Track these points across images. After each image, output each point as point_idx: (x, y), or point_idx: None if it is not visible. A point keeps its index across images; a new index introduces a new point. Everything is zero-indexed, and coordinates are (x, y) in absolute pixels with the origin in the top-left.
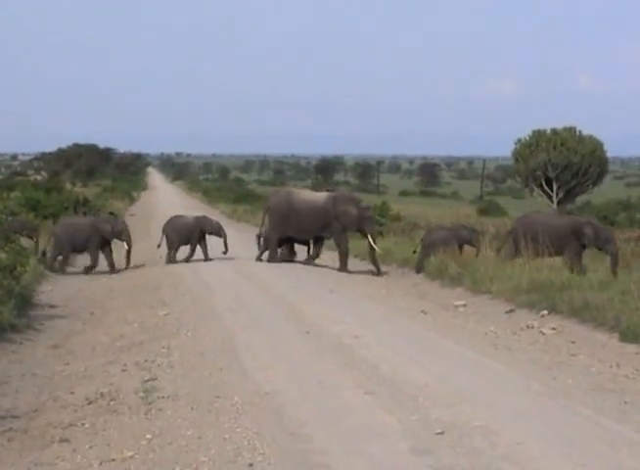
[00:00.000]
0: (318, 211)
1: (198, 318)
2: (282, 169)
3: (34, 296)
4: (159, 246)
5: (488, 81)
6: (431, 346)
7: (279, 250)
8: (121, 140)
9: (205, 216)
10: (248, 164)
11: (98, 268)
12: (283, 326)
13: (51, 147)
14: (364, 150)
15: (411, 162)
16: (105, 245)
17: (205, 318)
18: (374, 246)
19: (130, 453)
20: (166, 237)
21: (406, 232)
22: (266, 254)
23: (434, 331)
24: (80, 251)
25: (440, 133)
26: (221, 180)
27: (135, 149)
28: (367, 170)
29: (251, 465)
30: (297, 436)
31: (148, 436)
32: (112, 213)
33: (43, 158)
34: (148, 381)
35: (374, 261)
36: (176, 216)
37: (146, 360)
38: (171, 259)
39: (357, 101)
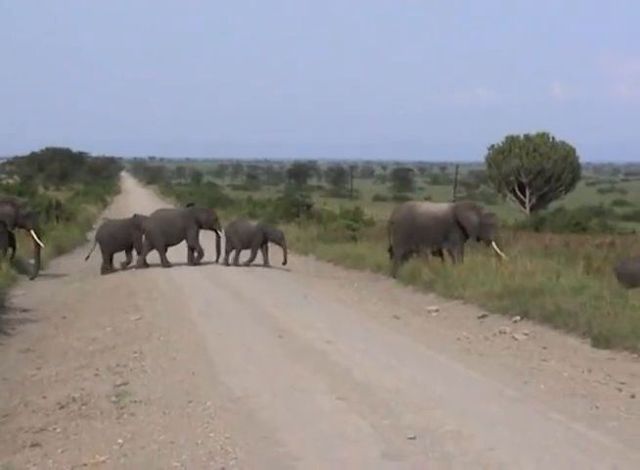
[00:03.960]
0: (440, 223)
1: (170, 323)
2: (255, 174)
3: (6, 300)
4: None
5: (462, 88)
6: (403, 351)
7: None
8: (94, 144)
9: (269, 223)
10: (221, 169)
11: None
12: (256, 331)
13: (23, 151)
14: (337, 155)
15: (384, 167)
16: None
17: (177, 323)
18: (499, 253)
19: (102, 458)
20: (227, 240)
21: (379, 237)
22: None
23: (406, 336)
24: (174, 244)
25: (413, 140)
26: (194, 185)
27: (108, 153)
28: (340, 175)
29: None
30: (270, 440)
31: (120, 440)
32: (191, 205)
33: (15, 161)
34: (120, 385)
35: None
36: (240, 220)
37: (118, 365)
38: (227, 262)
39: (331, 109)
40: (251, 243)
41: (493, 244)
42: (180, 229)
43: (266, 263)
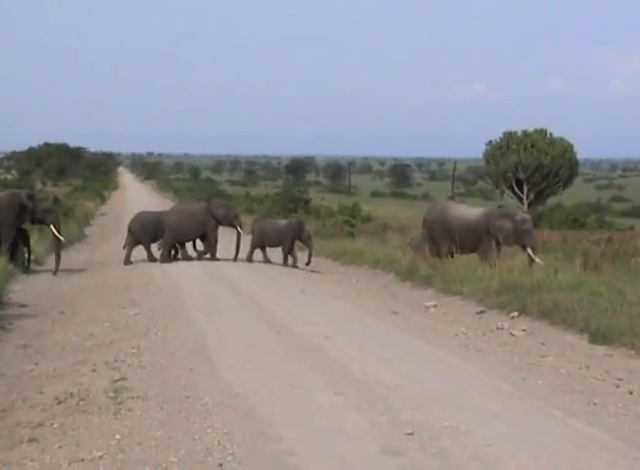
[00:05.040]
0: (470, 227)
1: (168, 318)
2: (253, 170)
3: (4, 295)
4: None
5: (460, 83)
6: (401, 346)
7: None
8: (92, 139)
9: (299, 222)
10: (219, 165)
11: (69, 266)
12: (254, 326)
13: (21, 146)
14: (335, 151)
15: (382, 163)
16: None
17: (175, 318)
18: (535, 258)
19: (99, 453)
20: (253, 237)
21: (377, 233)
22: None
23: (404, 332)
24: (193, 238)
25: (411, 135)
26: (192, 180)
27: (106, 148)
28: (338, 171)
29: (220, 465)
30: (268, 436)
31: (117, 436)
32: (209, 200)
33: (13, 157)
34: (118, 381)
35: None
36: (270, 219)
37: (116, 360)
38: (250, 259)
39: (330, 103)
40: (279, 242)
41: (529, 250)
42: (199, 224)
43: (294, 263)
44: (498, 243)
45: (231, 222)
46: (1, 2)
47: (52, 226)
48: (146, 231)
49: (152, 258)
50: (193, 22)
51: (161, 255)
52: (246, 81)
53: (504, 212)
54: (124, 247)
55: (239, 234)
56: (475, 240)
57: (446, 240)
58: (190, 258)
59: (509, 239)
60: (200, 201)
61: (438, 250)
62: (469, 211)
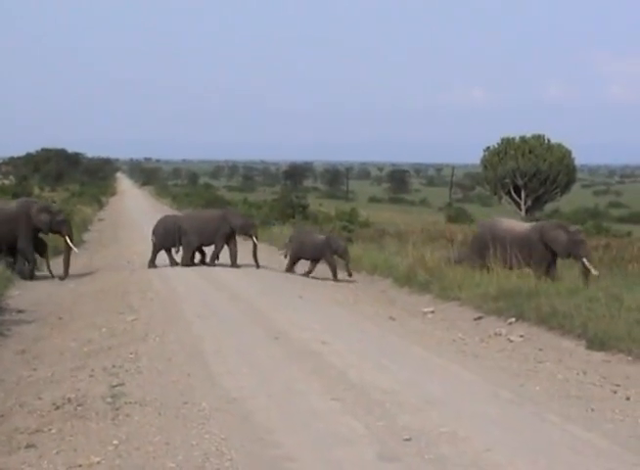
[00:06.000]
0: (522, 241)
1: (166, 324)
2: (251, 175)
3: (2, 300)
4: (285, 256)
5: (458, 89)
6: (399, 352)
7: None
8: (90, 145)
9: (336, 236)
10: (217, 170)
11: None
12: (251, 332)
13: (19, 151)
14: (333, 157)
15: (380, 168)
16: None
17: (173, 324)
18: (591, 269)
19: (97, 459)
20: (292, 250)
21: (375, 239)
22: None
23: (402, 337)
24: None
25: (409, 141)
26: (190, 186)
27: (104, 154)
28: (336, 177)
29: None
30: (265, 442)
31: (115, 441)
32: (226, 207)
33: (11, 162)
34: (115, 386)
35: (585, 282)
36: (306, 232)
37: (114, 366)
38: (290, 270)
39: (327, 109)
40: (317, 255)
41: (584, 260)
42: (214, 230)
43: (334, 277)
44: (553, 255)
45: (247, 232)
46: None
47: (67, 237)
48: (168, 235)
49: (174, 263)
50: (192, 26)
51: (182, 259)
52: (245, 87)
53: (557, 224)
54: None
55: (255, 245)
56: (526, 253)
57: (497, 255)
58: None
59: (564, 250)
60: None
61: (487, 264)
62: (520, 225)
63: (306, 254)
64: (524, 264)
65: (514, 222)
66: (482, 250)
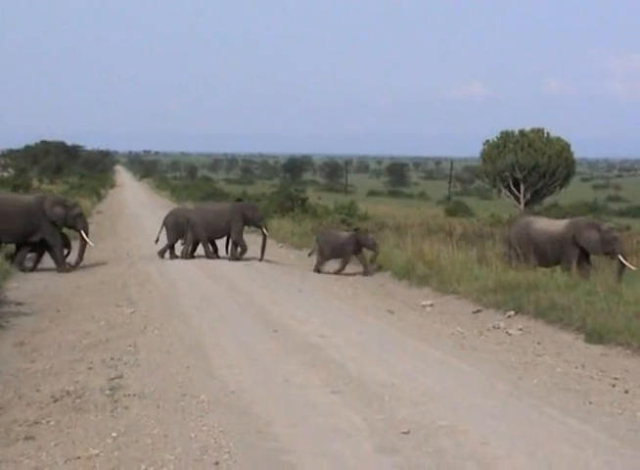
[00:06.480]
0: (556, 240)
1: (165, 317)
2: (250, 168)
3: (0, 293)
4: (310, 254)
5: (457, 83)
6: (397, 345)
7: None
8: (89, 137)
9: (361, 230)
10: (216, 163)
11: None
12: (250, 325)
13: (18, 144)
14: (332, 150)
15: (379, 162)
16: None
17: (172, 317)
18: (627, 264)
19: (96, 451)
20: (319, 248)
21: (374, 232)
22: None
23: (400, 331)
24: (218, 237)
25: (409, 134)
26: (189, 178)
27: (103, 146)
28: (335, 170)
29: (216, 464)
30: (264, 434)
31: (113, 434)
32: (239, 200)
33: (10, 154)
34: (114, 379)
35: (619, 277)
36: (331, 229)
37: (112, 358)
38: (320, 269)
39: (326, 101)
40: (342, 253)
41: (620, 257)
42: (225, 223)
43: (365, 272)
44: (586, 253)
45: (258, 224)
46: None
47: (82, 231)
48: (178, 227)
49: (173, 256)
50: (191, 19)
51: (182, 251)
52: (243, 79)
53: (590, 222)
54: (156, 241)
55: (264, 236)
56: (560, 252)
57: (533, 254)
58: (214, 257)
59: (596, 248)
60: (226, 201)
61: (526, 264)
62: (554, 224)
63: (334, 252)
64: (559, 263)
65: (548, 221)
66: (518, 250)
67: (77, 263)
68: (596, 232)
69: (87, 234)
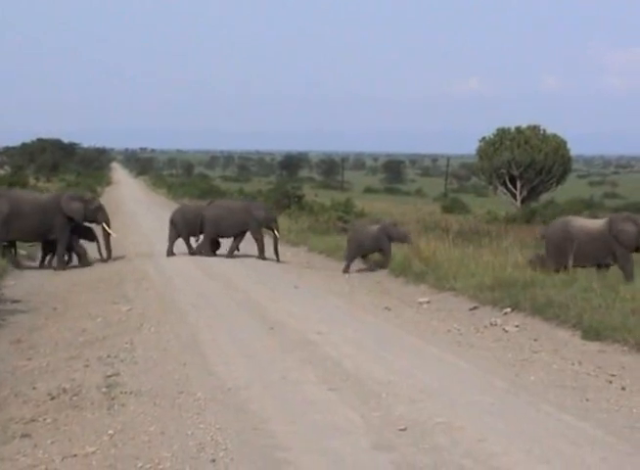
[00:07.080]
0: (596, 238)
1: (161, 314)
2: (246, 166)
3: None
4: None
5: (454, 80)
6: (394, 342)
7: None
8: (85, 135)
9: (391, 223)
10: (212, 160)
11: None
12: (247, 322)
13: (14, 142)
14: (329, 147)
15: (375, 159)
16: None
17: (168, 314)
18: None
19: (92, 449)
20: (348, 245)
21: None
22: None
23: (397, 328)
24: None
25: (405, 131)
26: (186, 176)
27: (99, 144)
28: (332, 167)
29: (213, 461)
30: (260, 431)
31: (110, 431)
32: (253, 199)
33: (6, 152)
34: (111, 376)
35: None
36: (361, 224)
37: (109, 356)
38: (347, 269)
39: (322, 98)
40: (377, 247)
41: None
42: (238, 221)
43: (387, 264)
44: (625, 247)
45: (269, 225)
46: None
47: (104, 224)
48: (187, 224)
49: (191, 251)
50: (186, 16)
51: (198, 246)
52: (240, 77)
53: (627, 216)
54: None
55: (276, 238)
56: (601, 250)
57: (572, 254)
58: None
59: (633, 242)
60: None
61: (566, 265)
62: (592, 222)
63: (367, 248)
64: (601, 262)
65: (585, 220)
66: (558, 252)
67: (108, 257)
68: (633, 225)
69: (109, 226)
